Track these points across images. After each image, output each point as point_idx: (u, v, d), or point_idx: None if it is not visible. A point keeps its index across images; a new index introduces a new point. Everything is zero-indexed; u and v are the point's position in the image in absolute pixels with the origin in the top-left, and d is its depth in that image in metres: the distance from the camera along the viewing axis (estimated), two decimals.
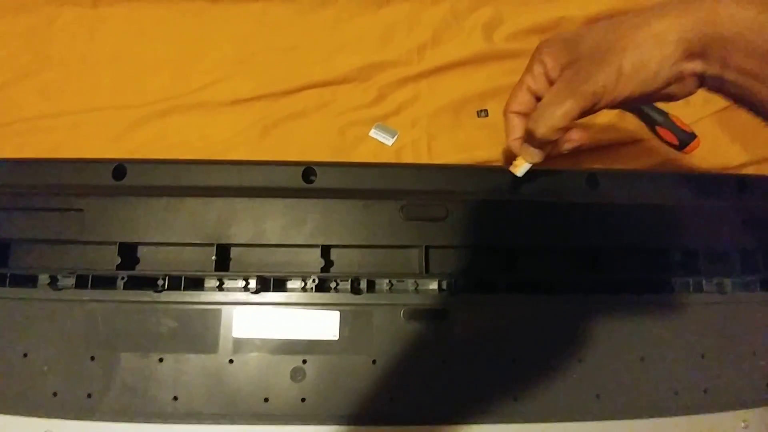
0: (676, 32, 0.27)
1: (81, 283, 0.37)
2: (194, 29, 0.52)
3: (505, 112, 0.35)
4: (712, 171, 0.52)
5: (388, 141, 0.50)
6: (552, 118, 0.31)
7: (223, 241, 0.38)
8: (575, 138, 0.34)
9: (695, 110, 0.54)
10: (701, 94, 0.54)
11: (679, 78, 0.29)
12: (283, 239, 0.38)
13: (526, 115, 0.34)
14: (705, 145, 0.52)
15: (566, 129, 0.32)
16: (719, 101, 0.55)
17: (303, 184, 0.40)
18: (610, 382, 0.37)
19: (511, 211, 0.40)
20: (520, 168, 0.36)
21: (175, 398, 0.35)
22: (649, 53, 0.28)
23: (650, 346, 0.38)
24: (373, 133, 0.50)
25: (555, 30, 0.55)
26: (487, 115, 0.52)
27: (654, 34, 0.27)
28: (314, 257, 0.39)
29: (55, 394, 0.35)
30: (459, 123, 0.52)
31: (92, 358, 0.36)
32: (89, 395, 0.35)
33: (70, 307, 0.37)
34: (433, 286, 0.39)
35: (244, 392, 0.35)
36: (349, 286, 0.37)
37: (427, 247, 0.39)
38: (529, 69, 0.33)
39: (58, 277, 0.38)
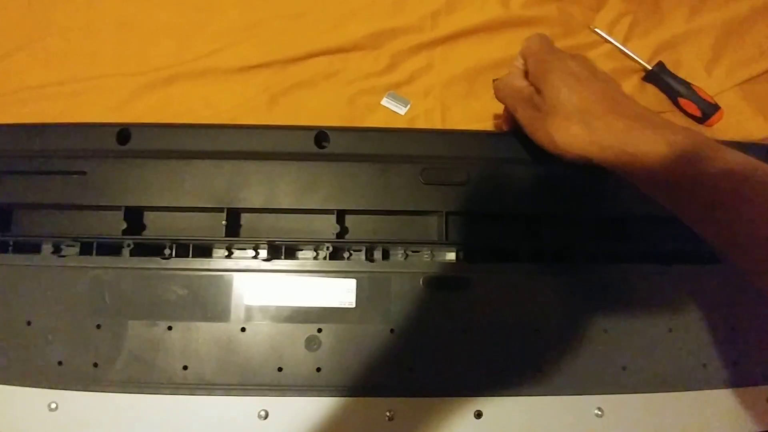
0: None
1: (85, 249, 0.36)
2: None
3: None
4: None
5: (401, 110, 0.48)
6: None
7: (234, 206, 0.36)
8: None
9: (718, 82, 0.53)
10: (724, 65, 0.54)
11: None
12: (296, 204, 0.37)
13: None
14: (728, 118, 0.50)
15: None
16: (742, 73, 0.53)
17: (315, 149, 0.38)
18: (636, 354, 0.35)
19: (535, 178, 0.38)
20: None
21: (185, 368, 0.34)
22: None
23: (678, 317, 0.36)
24: (385, 101, 0.48)
25: None
26: None
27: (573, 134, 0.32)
28: (328, 223, 0.37)
29: (60, 363, 0.33)
30: (474, 92, 0.50)
31: (98, 327, 0.34)
32: (95, 365, 0.33)
33: (75, 273, 0.35)
34: (452, 254, 0.37)
35: (256, 362, 0.34)
36: (364, 254, 0.36)
37: (447, 213, 0.37)
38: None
39: (61, 244, 0.36)
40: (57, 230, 0.38)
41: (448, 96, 0.49)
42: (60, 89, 0.46)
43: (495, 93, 0.41)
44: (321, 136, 0.38)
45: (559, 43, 0.52)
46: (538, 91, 0.35)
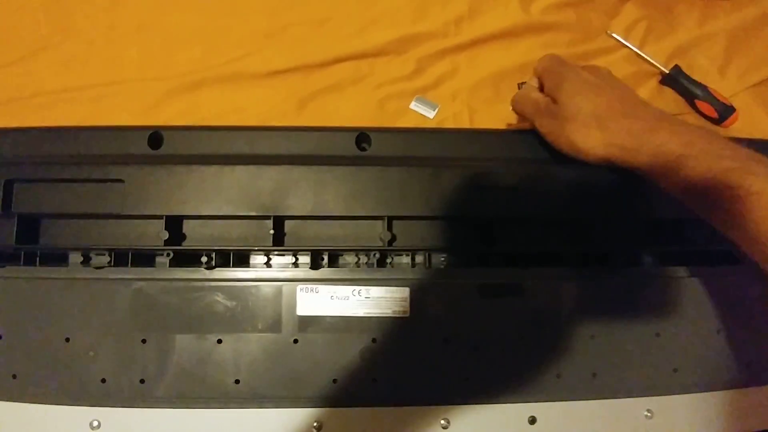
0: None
1: (120, 260, 0.34)
2: (224, 0, 0.49)
3: None
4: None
5: (430, 114, 0.48)
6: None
7: (280, 213, 0.35)
8: None
9: (731, 84, 0.54)
10: (736, 68, 0.55)
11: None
12: (344, 211, 0.35)
13: None
14: (741, 119, 0.52)
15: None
16: (754, 75, 0.55)
17: (356, 152, 0.37)
18: (687, 356, 0.36)
19: (583, 180, 0.38)
20: None
21: (237, 381, 0.33)
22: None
23: (726, 318, 0.36)
24: (414, 105, 0.48)
25: (591, 3, 0.54)
26: None
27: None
28: (375, 229, 0.36)
29: (103, 381, 0.32)
30: (500, 96, 0.50)
31: (143, 341, 0.33)
32: (142, 381, 0.32)
33: (114, 286, 0.34)
34: (501, 260, 0.37)
35: (310, 373, 0.33)
36: (413, 261, 0.35)
37: (496, 219, 0.36)
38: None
39: (91, 255, 0.35)
40: (89, 241, 0.36)
41: (475, 99, 0.50)
42: (81, 94, 0.45)
43: (513, 107, 0.42)
44: (362, 137, 0.38)
45: (578, 48, 0.53)
46: (555, 101, 0.37)
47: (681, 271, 0.38)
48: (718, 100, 0.51)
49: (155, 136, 0.36)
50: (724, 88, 0.53)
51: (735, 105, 0.52)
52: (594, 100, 0.34)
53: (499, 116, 0.49)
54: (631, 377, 0.35)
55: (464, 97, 0.50)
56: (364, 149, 0.38)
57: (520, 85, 0.51)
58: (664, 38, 0.55)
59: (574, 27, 0.53)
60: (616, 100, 0.34)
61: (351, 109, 0.47)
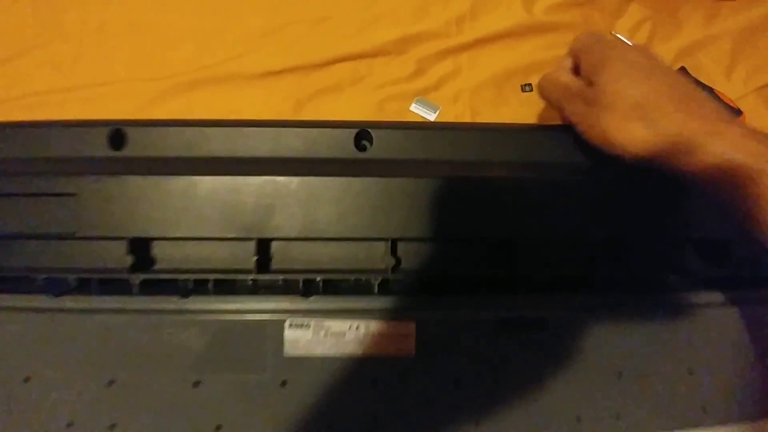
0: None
1: (84, 287, 0.30)
2: None
3: None
4: None
5: (431, 116, 0.47)
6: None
7: (265, 235, 0.30)
8: None
9: (737, 87, 0.53)
10: (742, 71, 0.54)
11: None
12: (341, 232, 0.30)
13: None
14: (748, 121, 0.51)
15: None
16: (760, 78, 0.54)
17: (355, 153, 0.32)
18: (718, 391, 0.32)
19: (617, 190, 0.32)
20: None
21: (218, 427, 0.29)
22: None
23: (765, 345, 0.32)
24: (415, 107, 0.47)
25: (596, 3, 0.53)
26: (531, 90, 0.49)
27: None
28: (377, 252, 0.31)
29: (69, 425, 0.28)
30: (503, 98, 0.49)
31: (110, 383, 0.29)
32: (112, 426, 0.28)
33: (77, 318, 0.29)
34: (525, 289, 0.32)
35: (301, 421, 0.29)
36: (419, 286, 0.31)
37: (516, 239, 0.31)
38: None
39: (48, 281, 0.30)
40: (45, 265, 0.31)
41: (477, 101, 0.48)
42: (70, 95, 0.43)
43: (540, 92, 0.38)
44: (362, 135, 0.33)
45: None
46: (591, 84, 0.31)
47: (721, 297, 0.33)
48: (725, 103, 0.50)
49: (117, 135, 0.31)
50: (730, 90, 0.52)
51: (741, 107, 0.51)
52: (640, 87, 0.29)
53: (502, 118, 0.48)
54: (656, 417, 0.31)
55: (466, 98, 0.48)
56: (364, 148, 0.33)
57: (523, 87, 0.50)
58: (670, 39, 0.54)
59: (578, 27, 0.52)
60: (668, 88, 0.29)
61: (349, 110, 0.46)
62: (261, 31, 0.47)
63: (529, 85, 0.49)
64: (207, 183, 0.30)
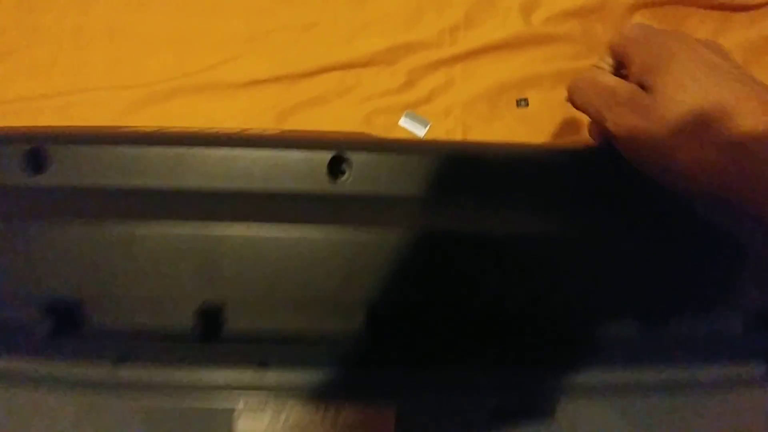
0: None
1: None
2: (200, 2, 0.46)
3: None
4: None
5: (420, 131, 0.45)
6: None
7: (209, 306, 0.25)
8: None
9: None
10: None
11: None
12: (305, 300, 0.25)
13: None
14: None
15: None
16: None
17: (329, 184, 0.27)
18: None
19: (669, 246, 0.26)
20: None
21: None
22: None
23: None
24: (403, 122, 0.45)
25: (597, 14, 0.51)
26: (527, 105, 0.47)
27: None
28: (350, 317, 0.26)
29: None
30: (497, 113, 0.47)
31: None
32: None
33: None
34: (530, 369, 0.26)
35: None
36: (403, 365, 0.25)
37: (518, 309, 0.26)
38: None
39: None
40: None
41: (470, 116, 0.46)
42: (46, 103, 0.42)
43: (570, 97, 0.29)
44: (337, 160, 0.27)
45: (584, 62, 0.49)
46: (648, 88, 0.24)
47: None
48: None
49: (35, 155, 0.25)
50: None
51: None
52: (717, 93, 0.22)
53: (495, 135, 0.46)
54: None
55: (458, 113, 0.46)
56: (342, 173, 0.27)
57: (519, 102, 0.48)
58: None
59: (578, 39, 0.50)
60: (755, 96, 0.21)
61: (335, 123, 0.44)
62: (244, 37, 0.45)
63: (525, 99, 0.47)
64: (142, 229, 0.24)
